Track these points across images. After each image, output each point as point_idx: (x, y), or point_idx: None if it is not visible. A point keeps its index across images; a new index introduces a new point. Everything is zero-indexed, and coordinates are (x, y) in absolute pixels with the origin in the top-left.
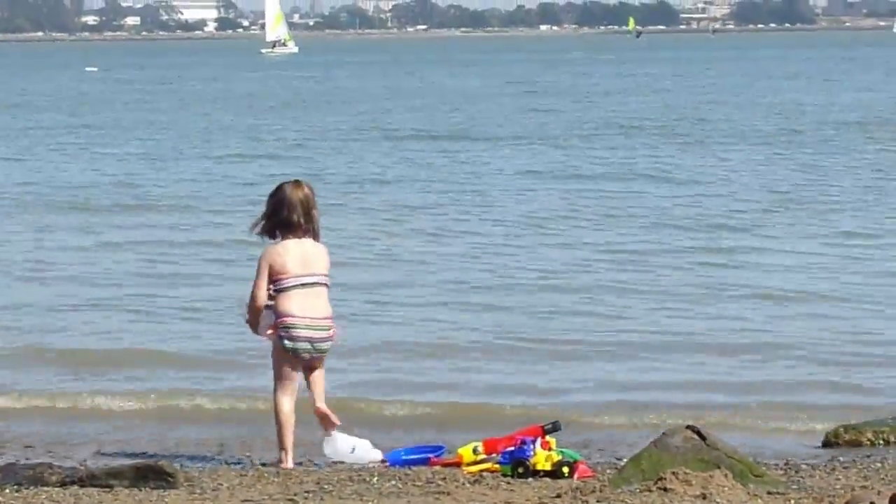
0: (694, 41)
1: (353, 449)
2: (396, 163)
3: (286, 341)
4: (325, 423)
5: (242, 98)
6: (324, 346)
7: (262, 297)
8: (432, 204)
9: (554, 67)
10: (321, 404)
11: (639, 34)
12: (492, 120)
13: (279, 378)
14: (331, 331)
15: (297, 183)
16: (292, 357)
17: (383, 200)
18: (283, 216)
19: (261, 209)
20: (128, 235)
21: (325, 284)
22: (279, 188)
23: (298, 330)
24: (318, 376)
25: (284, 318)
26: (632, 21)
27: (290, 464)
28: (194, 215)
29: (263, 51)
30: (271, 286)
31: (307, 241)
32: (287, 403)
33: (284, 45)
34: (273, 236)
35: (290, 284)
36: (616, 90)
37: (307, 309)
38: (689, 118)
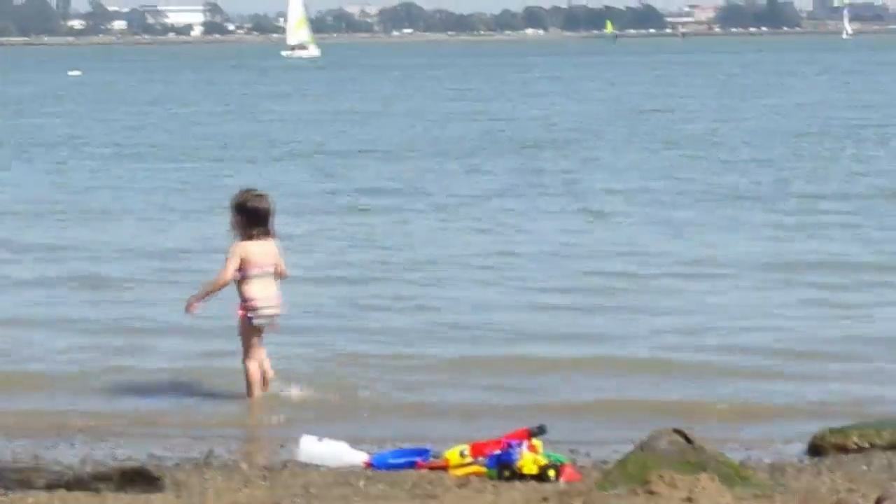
0: (665, 45)
1: (321, 439)
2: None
3: (254, 319)
4: (266, 381)
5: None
6: (276, 321)
7: (230, 279)
8: None
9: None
10: (267, 365)
11: (616, 38)
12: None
13: (248, 347)
14: (279, 309)
15: (261, 196)
16: (256, 330)
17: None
18: (255, 223)
19: (230, 214)
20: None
21: (275, 273)
22: (247, 200)
23: (262, 310)
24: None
25: (252, 301)
26: (609, 25)
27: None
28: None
29: (285, 53)
30: (238, 273)
31: (269, 241)
32: (255, 365)
33: (306, 48)
34: (249, 238)
35: (254, 274)
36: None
37: (266, 292)
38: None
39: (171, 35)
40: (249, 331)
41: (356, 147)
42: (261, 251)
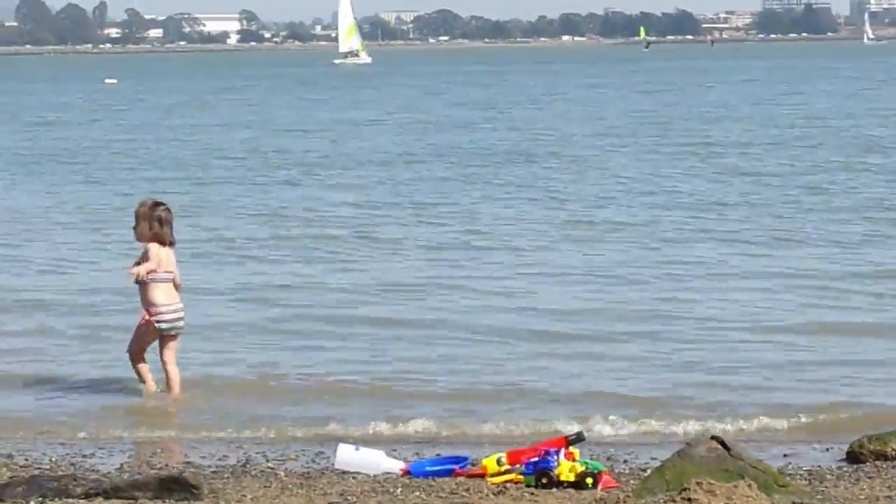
0: (694, 52)
1: (358, 447)
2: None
3: (160, 324)
4: (170, 384)
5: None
6: (180, 324)
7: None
8: None
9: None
10: (173, 368)
11: (648, 45)
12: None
13: (140, 350)
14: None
15: (166, 206)
16: (155, 335)
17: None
18: (163, 231)
19: (138, 222)
20: None
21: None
22: (156, 209)
23: (167, 314)
24: (174, 346)
25: (157, 307)
26: (642, 31)
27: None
28: None
29: (336, 61)
30: (146, 279)
31: (171, 250)
32: (145, 367)
33: (357, 55)
34: (162, 244)
35: (159, 278)
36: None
37: (171, 298)
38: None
39: (212, 44)
40: (147, 334)
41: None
42: (166, 257)
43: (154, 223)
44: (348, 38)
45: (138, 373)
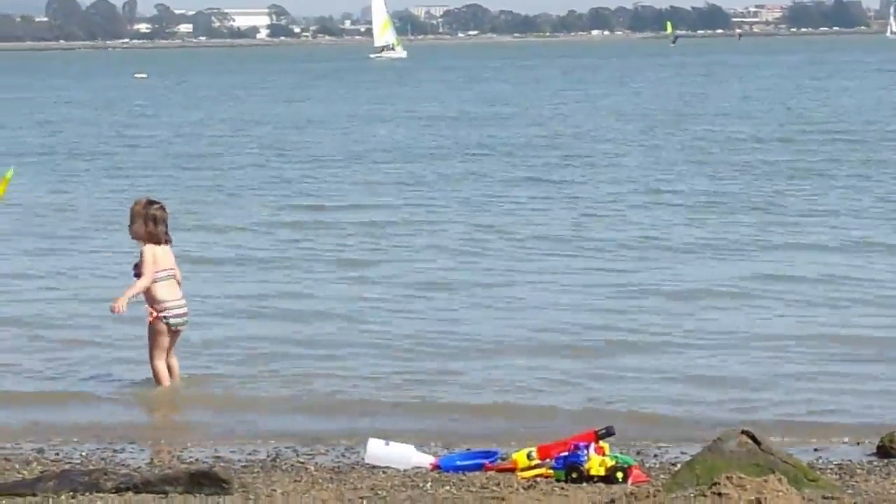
0: (720, 46)
1: (388, 442)
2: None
3: (169, 320)
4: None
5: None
6: (185, 319)
7: (150, 281)
8: None
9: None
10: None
11: (675, 39)
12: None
13: (157, 349)
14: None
15: (160, 204)
16: (168, 332)
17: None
18: (157, 230)
19: (133, 222)
20: None
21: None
22: (150, 208)
23: (174, 311)
24: (175, 340)
25: (163, 303)
26: (669, 26)
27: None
28: None
29: (372, 55)
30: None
31: (168, 247)
32: (163, 365)
33: (393, 49)
34: (157, 242)
35: (160, 277)
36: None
37: (174, 294)
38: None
39: (242, 39)
40: (161, 332)
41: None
42: (164, 255)
43: (149, 222)
44: (384, 33)
45: (157, 373)
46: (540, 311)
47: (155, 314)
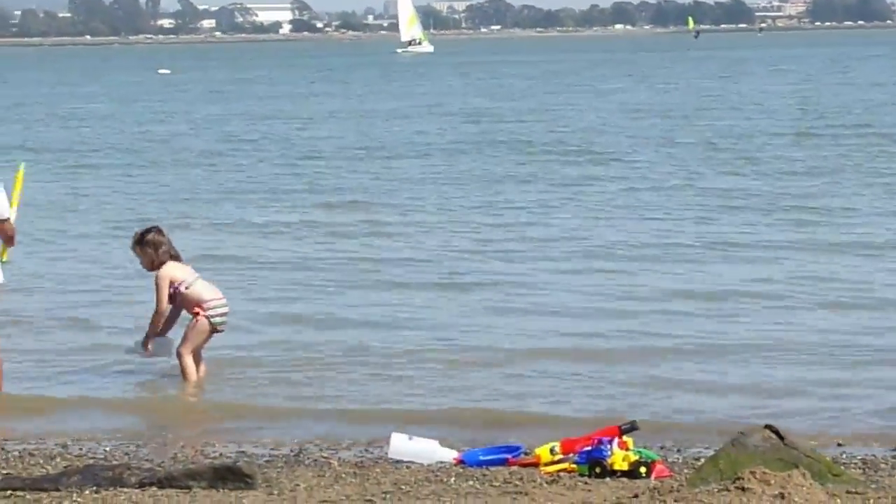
0: (742, 41)
1: (411, 437)
2: None
3: (213, 318)
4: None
5: None
6: (226, 319)
7: (166, 307)
8: None
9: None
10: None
11: (697, 34)
12: None
13: (195, 345)
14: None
15: (157, 228)
16: (211, 330)
17: None
18: (160, 253)
19: (136, 254)
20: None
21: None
22: (147, 235)
23: (218, 308)
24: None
25: (207, 302)
26: (691, 21)
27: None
28: None
29: (399, 50)
30: (175, 292)
31: (178, 263)
32: (191, 360)
33: (419, 44)
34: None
35: (191, 280)
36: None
37: (214, 293)
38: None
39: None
40: (203, 331)
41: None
42: (181, 268)
43: (149, 251)
44: (410, 27)
45: (185, 366)
46: (559, 316)
47: (201, 312)
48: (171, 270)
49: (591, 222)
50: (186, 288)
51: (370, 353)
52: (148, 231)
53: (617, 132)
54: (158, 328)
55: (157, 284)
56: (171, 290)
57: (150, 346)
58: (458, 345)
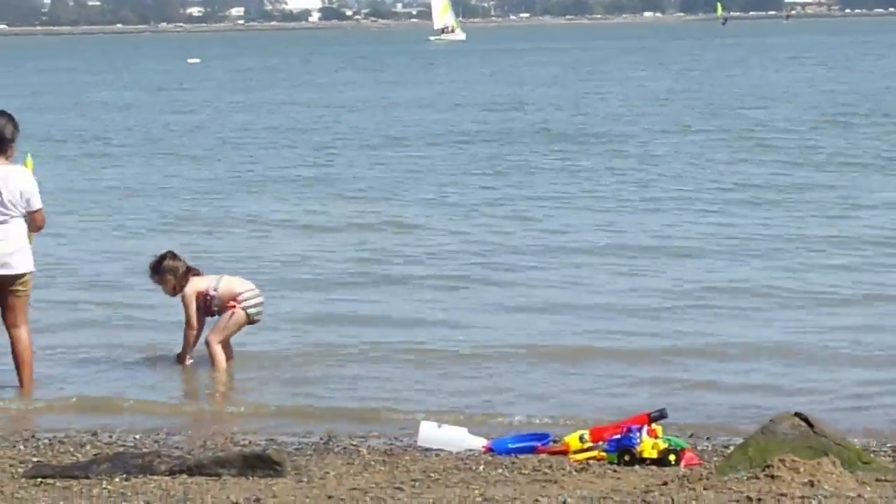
0: (768, 28)
1: (440, 424)
2: None
3: (249, 309)
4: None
5: None
6: (261, 309)
7: (196, 323)
8: None
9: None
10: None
11: (724, 21)
12: None
13: (227, 335)
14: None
15: (172, 253)
16: (246, 322)
17: None
18: (179, 276)
19: (156, 282)
20: None
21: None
22: (162, 262)
23: (253, 299)
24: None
25: (241, 294)
26: (719, 7)
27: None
28: None
29: (432, 38)
30: (205, 301)
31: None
32: (220, 349)
33: (452, 31)
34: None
35: (219, 280)
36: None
37: (246, 284)
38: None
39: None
40: (239, 322)
41: None
42: (204, 283)
43: (169, 277)
44: (443, 15)
45: (214, 355)
46: (590, 315)
47: (236, 305)
48: (195, 286)
49: (614, 216)
50: (215, 290)
51: (408, 351)
52: (162, 259)
53: (645, 121)
54: (192, 344)
55: (184, 304)
56: (202, 301)
57: (186, 362)
58: (483, 342)
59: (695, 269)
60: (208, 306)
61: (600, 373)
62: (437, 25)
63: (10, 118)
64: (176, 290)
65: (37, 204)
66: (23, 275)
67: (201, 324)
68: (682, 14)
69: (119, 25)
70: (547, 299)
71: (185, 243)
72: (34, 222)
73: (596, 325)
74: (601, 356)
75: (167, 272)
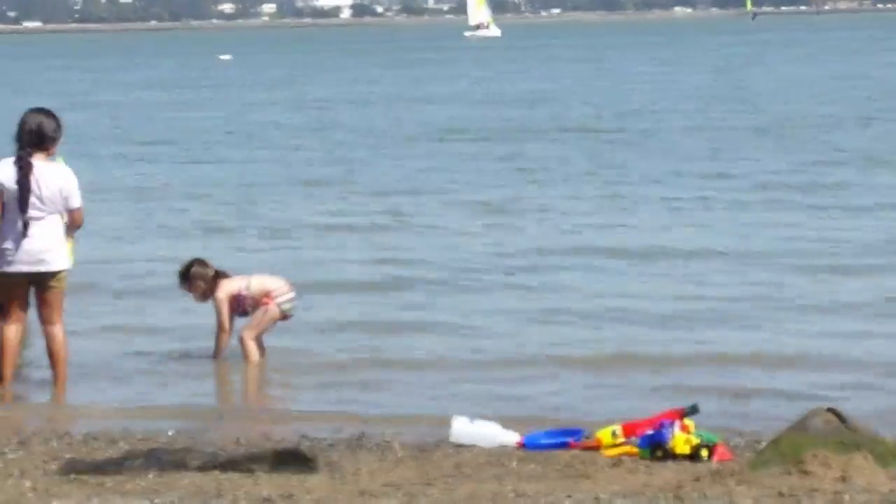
0: (798, 22)
1: (473, 420)
2: None
3: (283, 305)
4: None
5: None
6: (294, 304)
7: (228, 324)
8: None
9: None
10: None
11: (754, 16)
12: None
13: (261, 330)
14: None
15: (201, 260)
16: (279, 317)
17: None
18: (209, 282)
19: (187, 288)
20: None
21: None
22: (191, 268)
23: (285, 295)
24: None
25: (274, 290)
26: (748, 2)
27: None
28: None
29: (467, 34)
30: (236, 301)
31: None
32: (255, 345)
33: (487, 27)
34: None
35: (250, 280)
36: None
37: (278, 282)
38: None
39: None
40: (273, 317)
41: None
42: (234, 284)
43: (199, 284)
44: (478, 10)
45: (248, 350)
46: (617, 322)
47: (270, 300)
48: (226, 289)
49: (635, 218)
50: (247, 290)
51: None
52: (190, 266)
53: (675, 118)
54: (224, 346)
55: (217, 308)
56: (234, 303)
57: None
58: (513, 349)
59: (730, 272)
60: (242, 306)
61: (636, 383)
62: (472, 21)
63: (53, 116)
64: (206, 295)
65: (76, 203)
66: (58, 272)
67: (232, 326)
68: (712, 9)
69: (153, 22)
70: (579, 303)
71: (207, 247)
72: (73, 221)
73: (629, 332)
74: (633, 363)
75: (197, 279)
